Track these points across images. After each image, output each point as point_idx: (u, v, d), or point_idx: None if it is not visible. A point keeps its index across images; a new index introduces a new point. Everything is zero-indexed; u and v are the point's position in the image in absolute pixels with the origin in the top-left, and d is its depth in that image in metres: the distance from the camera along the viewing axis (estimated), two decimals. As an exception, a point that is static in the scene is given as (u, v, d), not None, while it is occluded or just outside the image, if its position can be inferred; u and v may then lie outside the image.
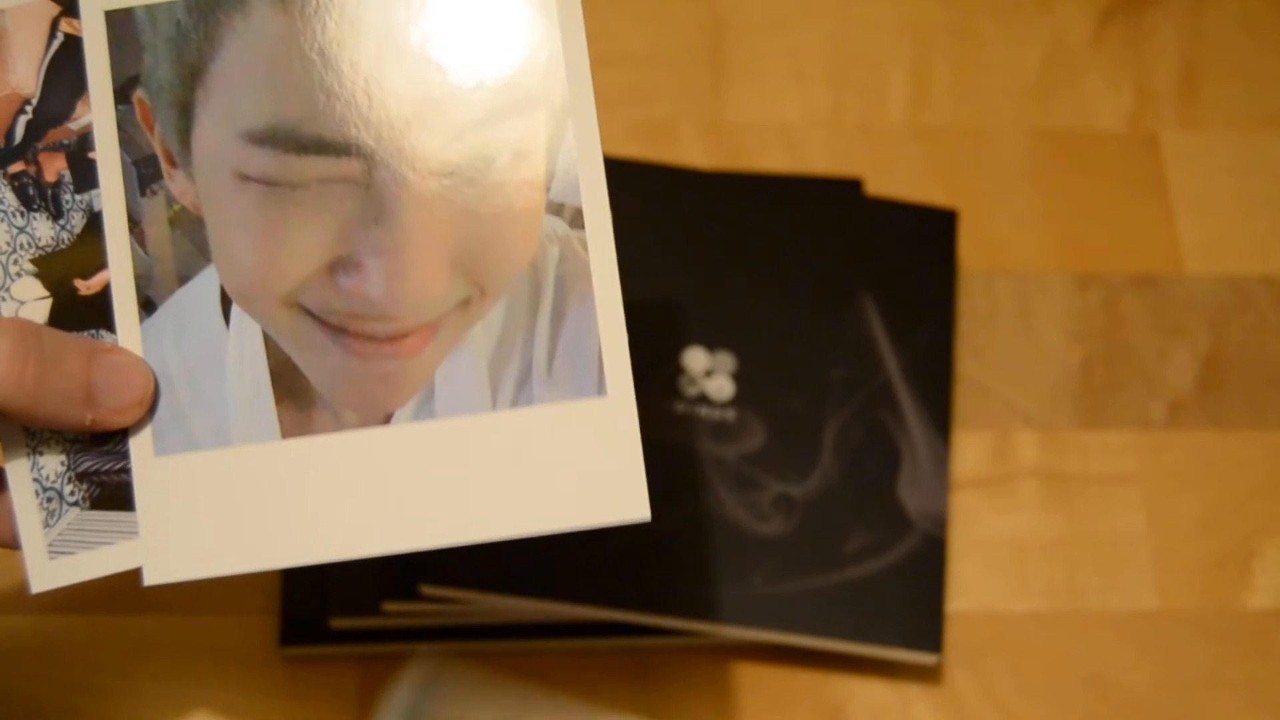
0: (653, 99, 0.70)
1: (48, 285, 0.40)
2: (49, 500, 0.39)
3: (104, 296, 0.40)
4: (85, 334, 0.39)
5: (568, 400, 0.39)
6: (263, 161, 0.39)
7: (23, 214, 0.40)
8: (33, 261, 0.40)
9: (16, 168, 0.40)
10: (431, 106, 0.39)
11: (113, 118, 0.40)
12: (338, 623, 0.56)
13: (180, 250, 0.39)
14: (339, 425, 0.39)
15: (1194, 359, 0.67)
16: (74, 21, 0.40)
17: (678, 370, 0.61)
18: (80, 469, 0.39)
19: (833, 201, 0.66)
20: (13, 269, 0.40)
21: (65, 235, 0.40)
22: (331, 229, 0.39)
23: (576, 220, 0.39)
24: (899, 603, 0.58)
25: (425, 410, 0.39)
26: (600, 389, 0.39)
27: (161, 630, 0.57)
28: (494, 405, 0.39)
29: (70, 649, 0.57)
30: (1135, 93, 0.73)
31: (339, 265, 0.39)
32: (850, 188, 0.67)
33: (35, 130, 0.40)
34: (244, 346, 0.40)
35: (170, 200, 0.40)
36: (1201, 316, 0.68)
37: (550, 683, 0.57)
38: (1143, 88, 0.73)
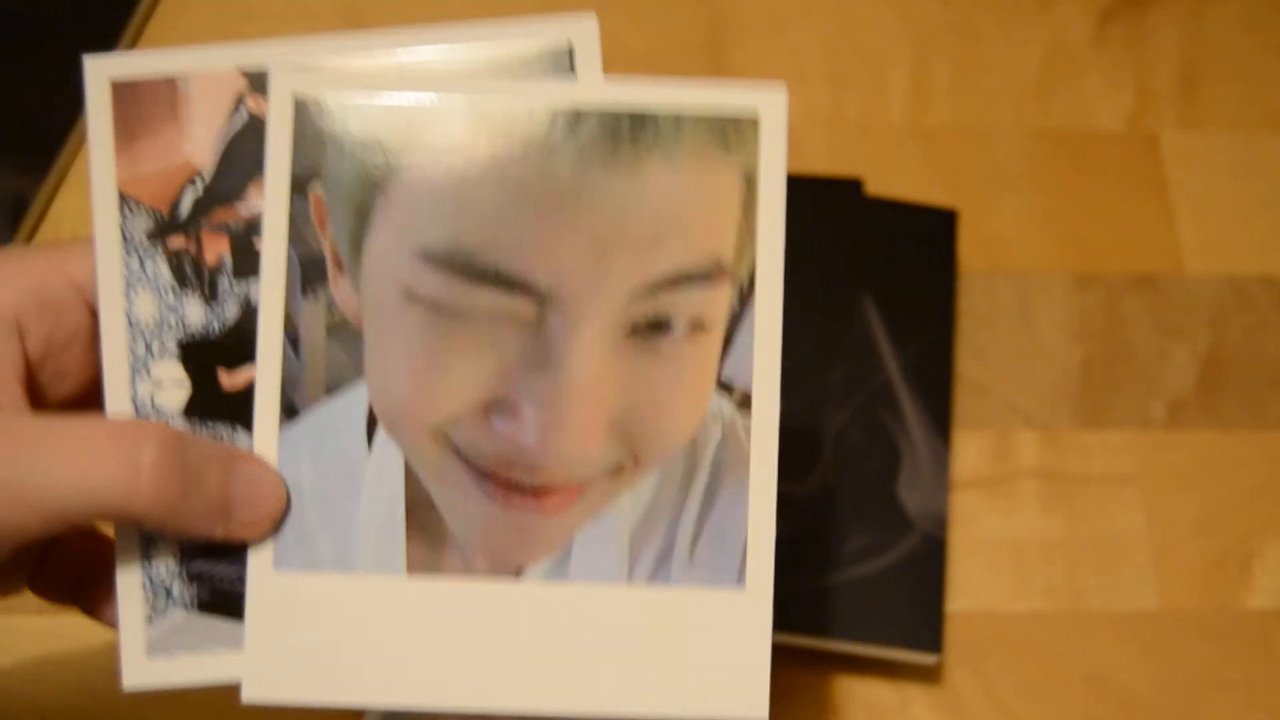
0: (653, 99, 0.70)
1: (190, 371, 0.38)
2: (155, 596, 0.38)
3: (246, 394, 0.38)
4: (220, 429, 0.38)
5: (705, 587, 0.38)
6: (435, 284, 0.37)
7: (176, 291, 0.38)
8: (179, 344, 0.38)
9: (177, 242, 0.38)
10: (617, 259, 0.37)
11: (285, 209, 0.37)
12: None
13: (333, 361, 0.38)
14: (468, 570, 0.38)
15: (1194, 359, 0.67)
16: (260, 101, 0.38)
17: (678, 370, 0.61)
18: (193, 570, 0.38)
19: (833, 201, 0.66)
20: (156, 346, 0.38)
21: (216, 323, 0.38)
22: (494, 367, 0.37)
23: (744, 403, 0.38)
24: (899, 603, 0.58)
25: (559, 571, 0.38)
26: (740, 580, 0.38)
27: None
28: (629, 578, 0.38)
29: (70, 649, 0.57)
30: (1135, 93, 0.73)
31: (495, 406, 0.37)
32: (850, 188, 0.67)
33: (202, 207, 0.38)
34: (383, 473, 0.38)
35: (331, 307, 0.38)
36: (1201, 316, 0.68)
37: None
38: (1143, 88, 0.73)
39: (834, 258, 0.64)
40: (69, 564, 0.37)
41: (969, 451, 0.64)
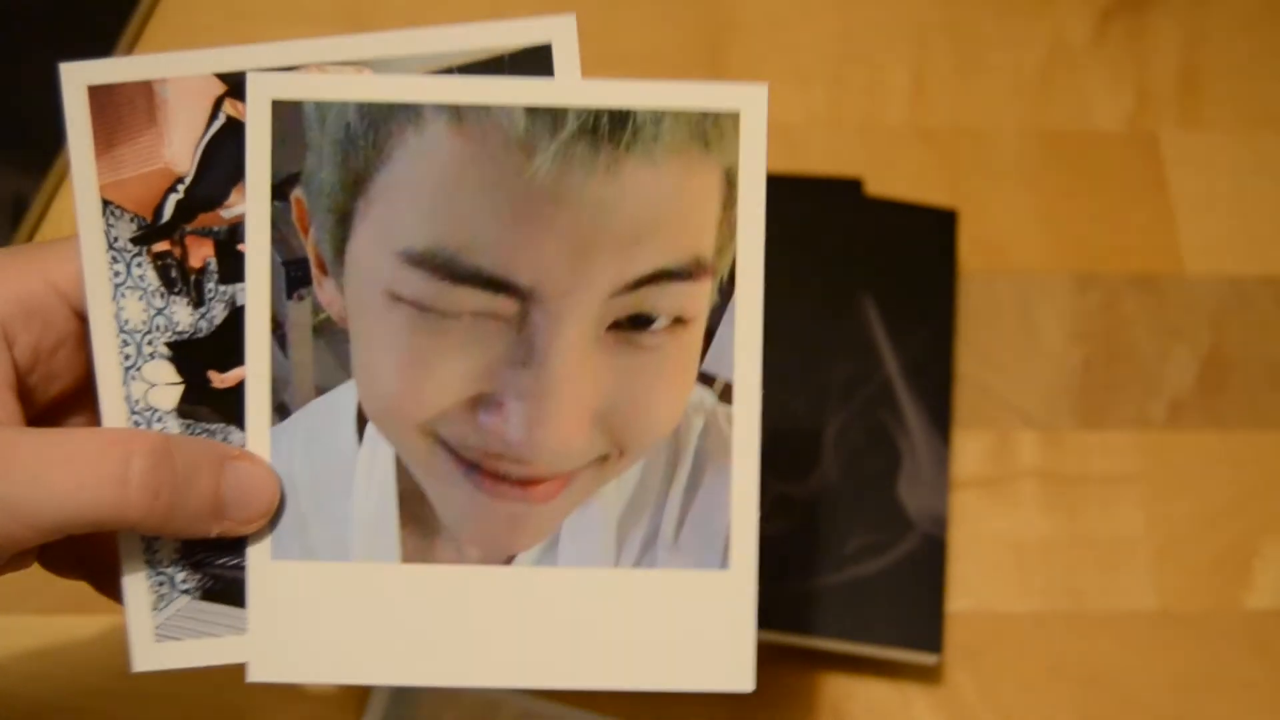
0: (653, 99, 0.70)
1: (181, 371, 0.38)
2: (160, 584, 0.38)
3: (237, 392, 0.38)
4: (213, 428, 0.39)
5: (690, 569, 0.39)
6: (417, 285, 0.37)
7: (163, 295, 0.38)
8: (168, 345, 0.38)
9: (161, 247, 0.38)
10: (597, 256, 0.37)
11: (267, 213, 0.38)
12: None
13: (321, 361, 0.38)
14: (460, 559, 0.39)
15: (1194, 359, 0.67)
16: (239, 105, 0.38)
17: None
18: (195, 559, 0.38)
19: (833, 201, 0.66)
20: (146, 349, 0.38)
21: (204, 324, 0.38)
22: (478, 364, 0.37)
23: (725, 394, 0.38)
24: (899, 603, 0.58)
25: (548, 557, 0.39)
26: (724, 563, 0.39)
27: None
28: (616, 564, 0.39)
29: (70, 649, 0.57)
30: (1135, 93, 0.73)
31: (481, 402, 0.38)
32: (850, 188, 0.67)
33: (185, 211, 0.38)
34: (375, 467, 0.39)
35: (317, 308, 0.38)
36: (1201, 316, 0.68)
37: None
38: (1143, 88, 0.73)
39: (834, 258, 0.64)
40: (77, 540, 0.37)
41: (969, 451, 0.64)
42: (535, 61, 0.38)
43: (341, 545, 0.38)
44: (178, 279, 0.39)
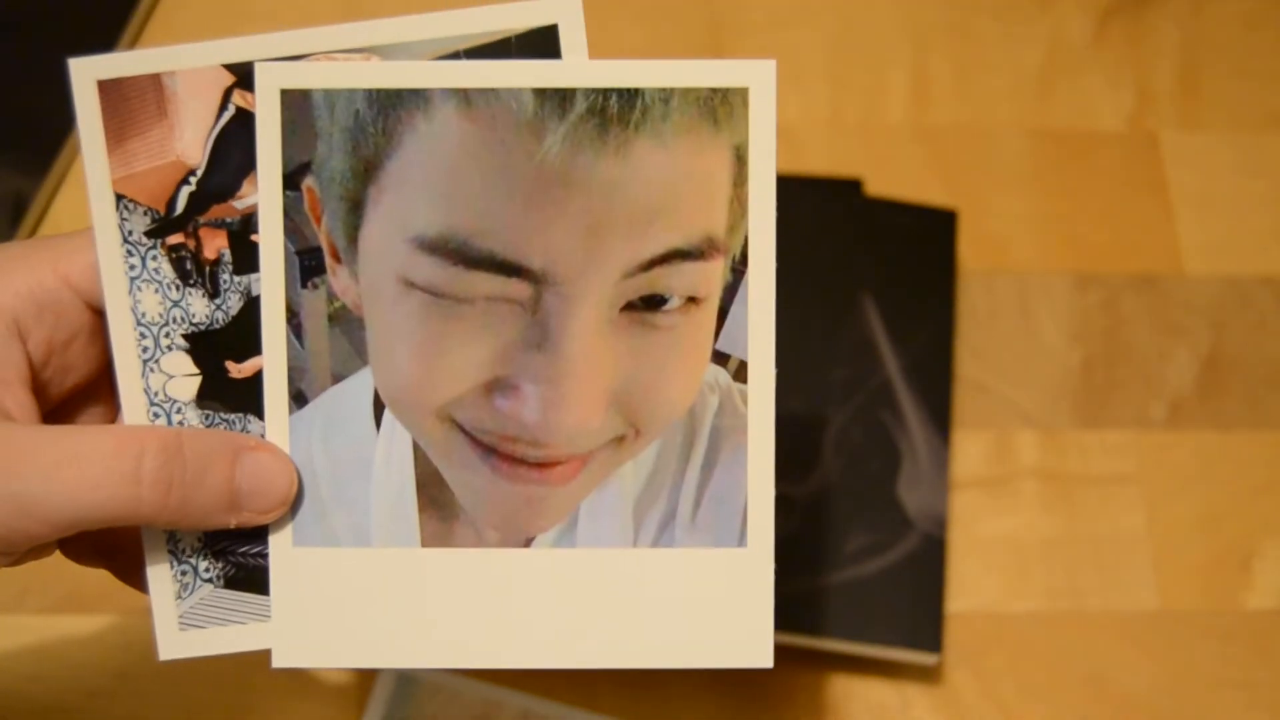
0: (653, 99, 0.70)
1: (198, 362, 0.39)
2: (183, 574, 0.39)
3: (255, 382, 0.39)
4: (232, 418, 0.39)
5: (707, 548, 0.39)
6: (430, 271, 0.37)
7: (178, 287, 0.38)
8: (185, 337, 0.39)
9: (175, 239, 0.38)
10: (609, 237, 0.37)
11: (279, 203, 0.38)
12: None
13: (337, 348, 0.38)
14: (479, 542, 0.39)
15: (1194, 359, 0.67)
16: (248, 95, 0.38)
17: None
18: (217, 547, 0.39)
19: (833, 201, 0.66)
20: (164, 341, 0.39)
21: (220, 315, 0.39)
22: (493, 349, 0.37)
23: (740, 373, 0.38)
24: (899, 603, 0.58)
25: (566, 539, 0.39)
26: (741, 541, 0.39)
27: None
28: (634, 543, 0.39)
29: (70, 649, 0.57)
30: (1135, 92, 0.73)
31: (496, 385, 0.38)
32: (850, 188, 0.67)
33: (198, 203, 0.38)
34: (393, 453, 0.39)
35: (331, 296, 0.38)
36: (1201, 316, 0.68)
37: (542, 683, 0.57)
38: (1143, 87, 0.73)
39: (834, 258, 0.64)
40: (97, 531, 0.37)
41: (969, 451, 0.64)
42: (542, 43, 0.38)
43: (362, 531, 0.39)
44: (192, 271, 0.39)
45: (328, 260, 0.38)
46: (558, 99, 0.37)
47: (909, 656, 0.58)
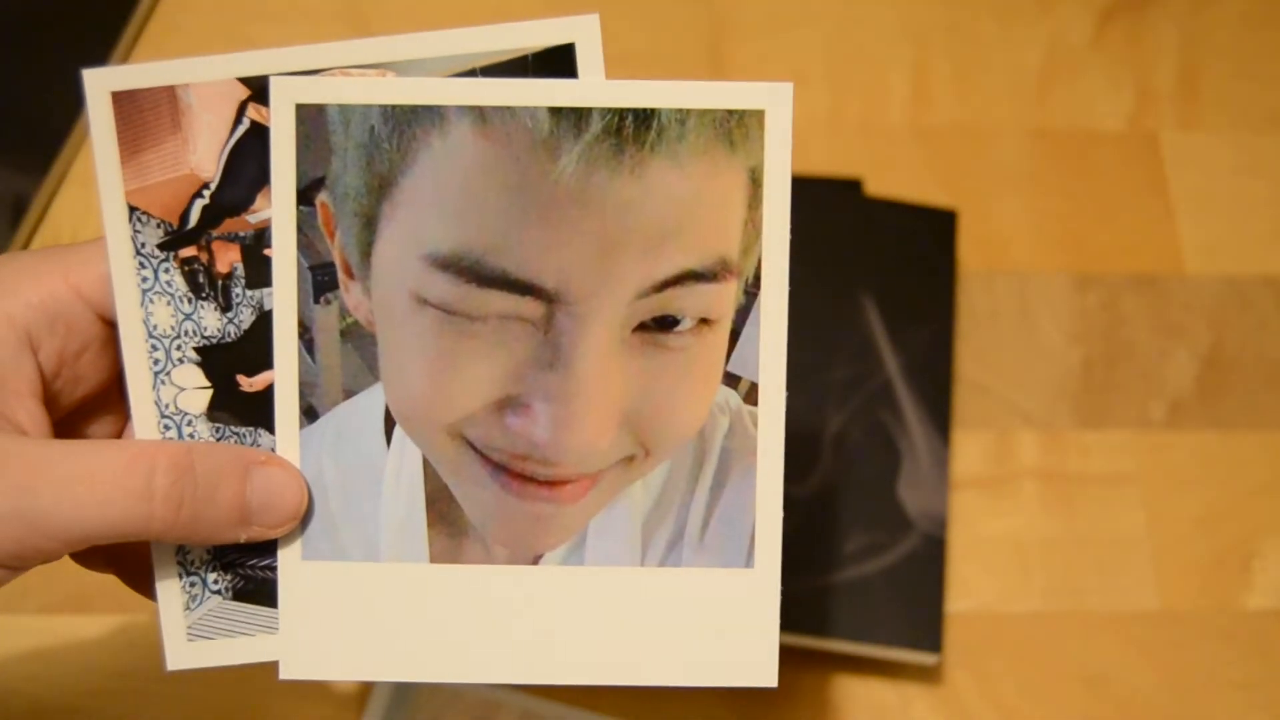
0: (653, 99, 0.70)
1: (209, 375, 0.39)
2: (192, 585, 0.39)
3: (266, 396, 0.39)
4: (243, 431, 0.39)
5: (715, 568, 0.39)
6: (443, 288, 0.37)
7: (190, 300, 0.38)
8: (196, 350, 0.39)
9: (188, 252, 0.38)
10: (622, 258, 0.37)
11: (293, 218, 0.38)
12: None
13: (349, 364, 0.38)
14: (488, 558, 0.39)
15: (1194, 359, 0.67)
16: (263, 109, 0.38)
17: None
18: (226, 560, 0.39)
19: (833, 201, 0.66)
20: (175, 354, 0.39)
21: (232, 329, 0.39)
22: (505, 367, 0.37)
23: (750, 395, 0.39)
24: (899, 603, 0.58)
25: (575, 557, 0.39)
26: (748, 562, 0.39)
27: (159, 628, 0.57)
28: (642, 562, 0.39)
29: (70, 649, 0.57)
30: (1135, 93, 0.73)
31: (507, 404, 0.38)
32: (850, 188, 0.67)
33: (211, 217, 0.38)
34: (403, 469, 0.39)
35: (344, 312, 0.38)
36: (1201, 316, 0.68)
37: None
38: (1143, 88, 0.73)
39: (834, 258, 0.64)
40: None
41: (969, 451, 0.64)
42: (559, 62, 0.38)
43: (371, 545, 0.39)
44: (205, 284, 0.39)
45: (340, 276, 0.38)
46: (573, 118, 0.37)
47: (909, 656, 0.58)
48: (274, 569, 0.39)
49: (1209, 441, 0.66)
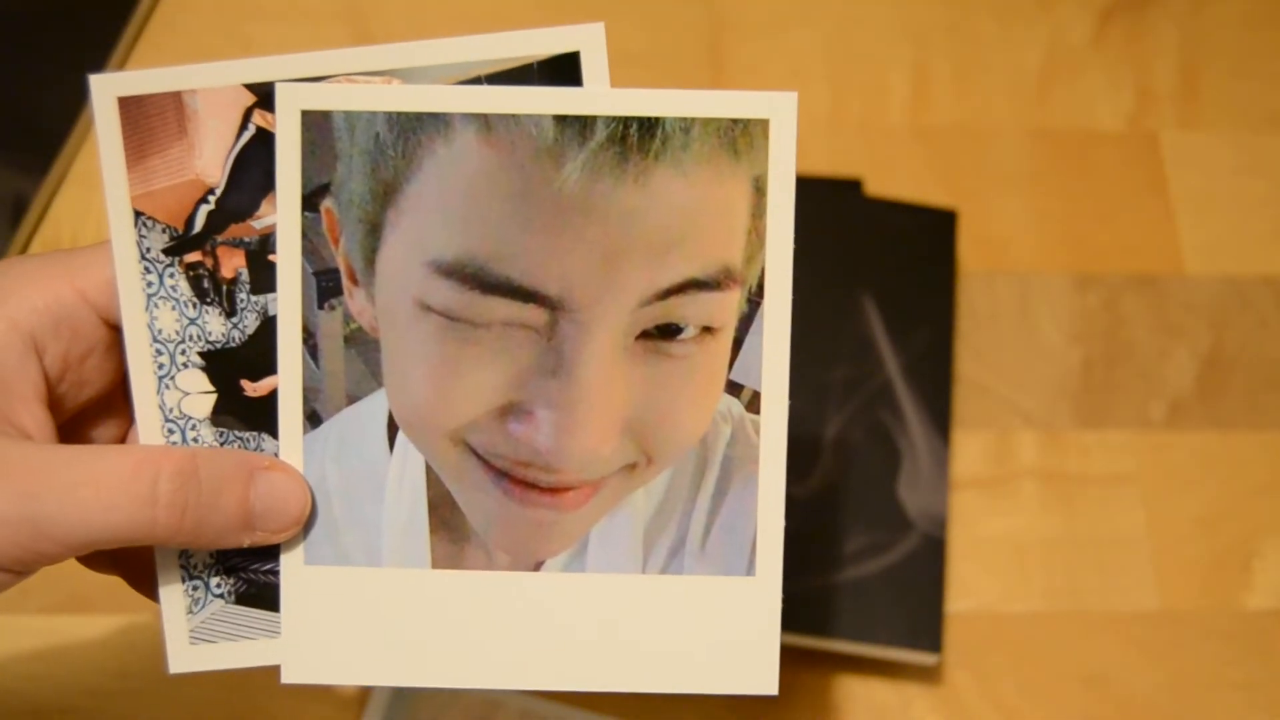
0: (653, 99, 0.70)
1: (214, 380, 0.39)
2: (195, 589, 0.39)
3: (269, 401, 0.39)
4: (246, 436, 0.39)
5: (716, 576, 0.39)
6: (447, 295, 0.37)
7: (195, 305, 0.39)
8: (201, 354, 0.39)
9: (193, 257, 0.39)
10: (626, 266, 0.37)
11: (298, 224, 0.38)
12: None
13: (352, 370, 0.38)
14: (490, 564, 0.39)
15: (1194, 359, 0.67)
16: (268, 115, 0.38)
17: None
18: (229, 564, 0.39)
19: (833, 201, 0.66)
20: (180, 358, 0.39)
21: (237, 334, 0.39)
22: (508, 374, 0.37)
23: (753, 403, 0.39)
24: (899, 603, 0.58)
25: (576, 563, 0.39)
26: (750, 570, 0.39)
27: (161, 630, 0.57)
28: (644, 569, 0.39)
29: (70, 649, 0.57)
30: (1135, 92, 0.73)
31: (510, 410, 0.38)
32: (850, 188, 0.67)
33: (216, 222, 0.38)
34: (406, 474, 0.39)
35: (348, 318, 0.38)
36: (1201, 316, 0.68)
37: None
38: (1143, 88, 0.73)
39: (834, 258, 0.64)
40: None
41: (969, 451, 0.64)
42: (564, 70, 0.38)
43: (373, 551, 0.39)
44: (210, 289, 0.39)
45: (345, 282, 0.38)
46: (578, 126, 0.37)
47: (909, 656, 0.58)
48: (276, 573, 0.39)
49: (1209, 441, 0.66)
